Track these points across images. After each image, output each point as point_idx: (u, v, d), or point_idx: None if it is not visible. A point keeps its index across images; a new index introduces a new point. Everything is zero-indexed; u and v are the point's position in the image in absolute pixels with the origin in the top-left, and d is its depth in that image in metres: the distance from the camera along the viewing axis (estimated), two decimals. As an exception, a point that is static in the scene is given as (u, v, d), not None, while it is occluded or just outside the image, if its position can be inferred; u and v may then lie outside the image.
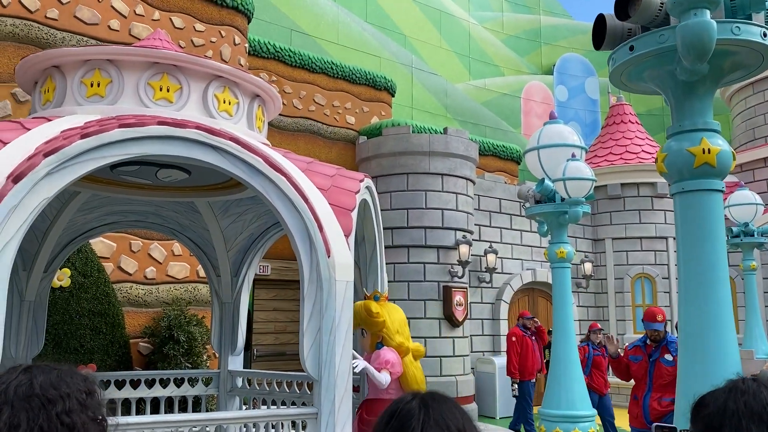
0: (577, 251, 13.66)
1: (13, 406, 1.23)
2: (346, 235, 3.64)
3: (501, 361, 11.61)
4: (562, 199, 6.29)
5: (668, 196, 13.94)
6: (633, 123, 15.25)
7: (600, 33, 2.98)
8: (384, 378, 4.41)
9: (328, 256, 3.49)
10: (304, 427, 3.52)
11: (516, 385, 9.13)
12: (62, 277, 6.42)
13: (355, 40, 16.45)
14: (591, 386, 7.71)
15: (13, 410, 1.22)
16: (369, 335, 4.61)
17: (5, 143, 3.20)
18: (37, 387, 1.26)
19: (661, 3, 2.81)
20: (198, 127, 3.56)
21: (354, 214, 3.78)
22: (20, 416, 1.21)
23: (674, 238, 14.60)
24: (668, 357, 5.60)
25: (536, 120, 19.70)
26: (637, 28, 2.91)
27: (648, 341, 5.79)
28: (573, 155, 6.24)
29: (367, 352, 4.67)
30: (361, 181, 4.14)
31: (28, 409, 1.22)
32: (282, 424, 3.71)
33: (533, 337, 9.42)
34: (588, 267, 14.03)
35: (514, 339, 9.29)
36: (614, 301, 14.26)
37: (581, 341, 8.70)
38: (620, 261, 14.38)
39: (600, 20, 2.97)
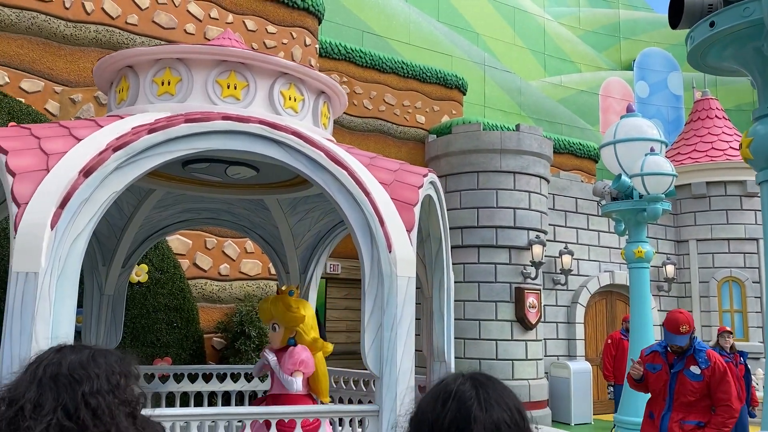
0: (658, 252, 13.04)
1: (40, 385, 1.21)
2: (409, 230, 3.57)
3: (576, 365, 11.25)
4: (641, 196, 6.00)
5: (758, 194, 13.15)
6: (720, 118, 14.39)
7: (677, 12, 2.77)
8: (296, 384, 4.30)
9: (389, 252, 3.44)
10: (361, 424, 3.47)
11: (612, 388, 8.87)
12: (140, 273, 6.66)
13: (427, 39, 16.36)
14: None
15: (39, 389, 1.20)
16: (282, 330, 4.48)
17: (79, 140, 3.32)
18: (66, 366, 1.23)
19: (746, -23, 2.58)
20: (261, 121, 3.59)
21: (417, 209, 3.71)
22: (45, 396, 1.19)
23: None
24: (695, 370, 4.49)
25: (615, 117, 18.97)
26: (718, 2, 2.68)
27: (669, 349, 4.71)
28: (652, 149, 5.94)
29: (276, 347, 4.53)
30: (425, 176, 4.06)
31: (54, 389, 1.20)
32: (343, 420, 3.67)
33: None
34: (670, 269, 13.35)
35: (609, 342, 9.15)
36: (699, 306, 13.50)
37: (711, 347, 7.96)
38: (705, 263, 13.60)
39: (677, -3, 2.76)
